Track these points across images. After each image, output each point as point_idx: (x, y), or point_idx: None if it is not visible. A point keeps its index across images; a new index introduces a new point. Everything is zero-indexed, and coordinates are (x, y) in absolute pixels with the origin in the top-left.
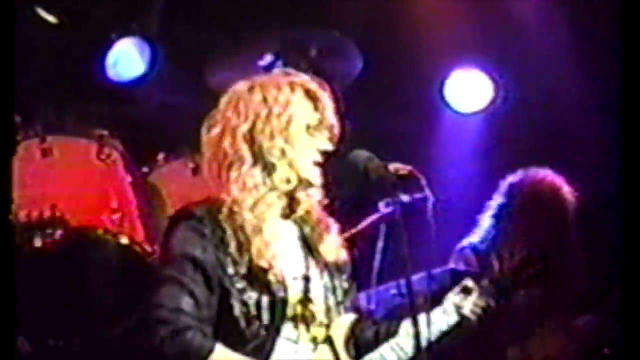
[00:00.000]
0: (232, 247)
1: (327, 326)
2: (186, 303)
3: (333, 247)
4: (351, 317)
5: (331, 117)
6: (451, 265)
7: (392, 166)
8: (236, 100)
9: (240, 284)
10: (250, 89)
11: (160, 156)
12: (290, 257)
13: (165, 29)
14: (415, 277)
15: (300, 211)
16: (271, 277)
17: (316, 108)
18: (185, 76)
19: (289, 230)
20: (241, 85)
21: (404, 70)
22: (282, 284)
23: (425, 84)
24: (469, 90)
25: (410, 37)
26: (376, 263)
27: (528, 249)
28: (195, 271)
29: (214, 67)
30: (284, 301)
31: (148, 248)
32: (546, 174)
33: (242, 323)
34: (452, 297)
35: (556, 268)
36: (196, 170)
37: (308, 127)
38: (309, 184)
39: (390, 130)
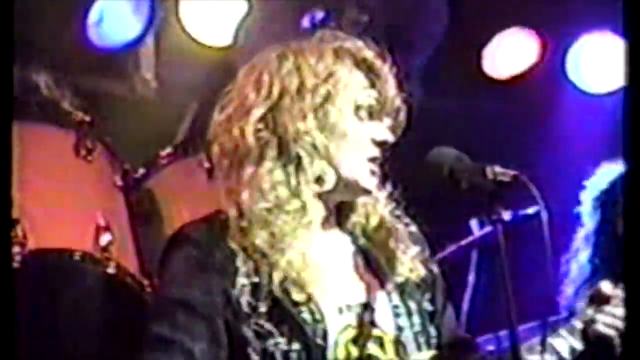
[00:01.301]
0: (245, 276)
1: None
2: None
3: (407, 260)
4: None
5: (393, 97)
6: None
7: (490, 170)
8: (259, 71)
9: (260, 327)
10: (281, 57)
11: (164, 153)
12: (338, 281)
13: None
14: (523, 328)
15: (354, 218)
16: (305, 314)
17: (372, 84)
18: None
19: (335, 245)
20: (269, 53)
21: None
22: (322, 321)
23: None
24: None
25: None
26: (465, 305)
27: None
28: (192, 320)
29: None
30: (323, 349)
31: (143, 281)
32: None
33: None
34: (581, 310)
35: None
36: (213, 173)
37: (358, 109)
38: (357, 187)
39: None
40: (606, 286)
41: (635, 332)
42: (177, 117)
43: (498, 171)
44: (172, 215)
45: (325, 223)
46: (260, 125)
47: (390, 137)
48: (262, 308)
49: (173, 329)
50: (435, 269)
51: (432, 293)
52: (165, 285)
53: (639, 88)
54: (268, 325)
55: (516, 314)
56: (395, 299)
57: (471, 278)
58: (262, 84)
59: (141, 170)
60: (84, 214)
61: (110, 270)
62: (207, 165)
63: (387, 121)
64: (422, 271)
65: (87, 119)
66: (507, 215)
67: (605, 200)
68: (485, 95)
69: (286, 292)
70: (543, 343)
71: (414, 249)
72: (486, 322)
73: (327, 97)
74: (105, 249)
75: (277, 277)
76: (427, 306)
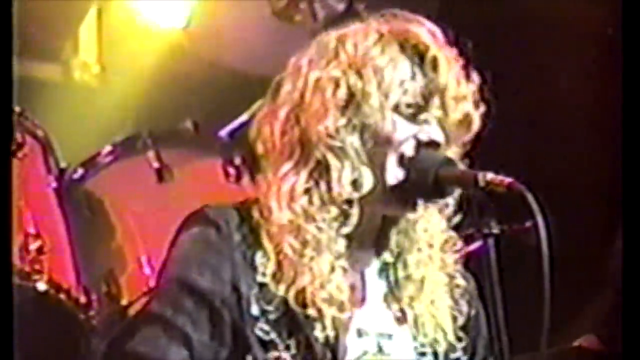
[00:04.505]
0: (266, 271)
1: None
2: (176, 355)
3: (439, 311)
4: None
5: (449, 86)
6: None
7: (483, 176)
8: (299, 59)
9: (265, 334)
10: (320, 42)
11: (105, 150)
12: (364, 302)
13: None
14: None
15: (394, 239)
16: (318, 331)
17: (423, 73)
18: None
19: (367, 263)
20: (310, 47)
21: None
22: (336, 344)
23: None
24: None
25: None
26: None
27: None
28: (198, 307)
29: None
30: None
31: (81, 298)
32: None
33: None
34: None
35: None
36: (162, 174)
37: (399, 104)
38: (402, 200)
39: None
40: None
41: (636, 333)
42: (123, 108)
43: (491, 178)
44: (115, 221)
45: (362, 236)
46: (288, 125)
47: (440, 137)
48: (272, 315)
49: (176, 312)
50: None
51: (467, 342)
52: (173, 263)
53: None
54: (274, 335)
55: (508, 343)
56: (422, 338)
57: None
58: (301, 74)
59: (80, 170)
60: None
61: (41, 286)
62: (156, 165)
63: (438, 112)
64: (450, 332)
65: (16, 109)
66: (497, 229)
67: None
68: None
69: (302, 303)
70: None
71: (450, 303)
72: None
73: (358, 91)
74: (35, 259)
75: (299, 284)
76: (460, 356)
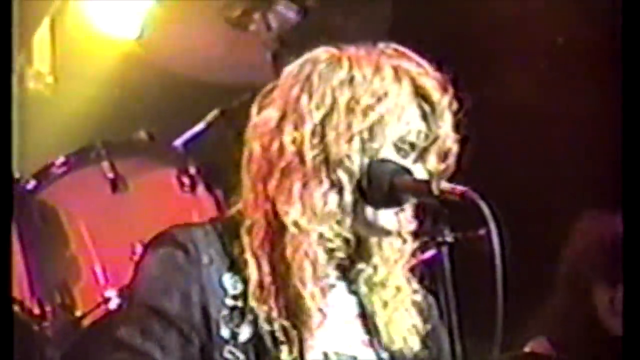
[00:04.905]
0: (237, 293)
1: None
2: None
3: (403, 327)
4: None
5: (445, 136)
6: (530, 345)
7: (437, 185)
8: (308, 72)
9: (235, 357)
10: (332, 61)
11: (59, 161)
12: (330, 324)
13: None
14: None
15: (361, 265)
16: (285, 355)
17: (424, 116)
18: None
19: (334, 284)
20: (318, 53)
21: None
22: None
23: None
24: None
25: None
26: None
27: None
28: (167, 333)
29: None
30: None
31: (35, 309)
32: None
33: None
34: None
35: None
36: (117, 184)
37: (402, 141)
38: (376, 225)
39: None
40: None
41: (635, 333)
42: (77, 118)
43: (445, 187)
44: (69, 232)
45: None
46: (316, 140)
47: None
48: (242, 337)
49: (145, 337)
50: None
51: None
52: (139, 287)
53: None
54: (242, 358)
55: (462, 355)
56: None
57: None
58: (314, 89)
59: (33, 181)
60: None
61: None
62: (110, 175)
63: (433, 160)
64: (416, 346)
65: None
66: (450, 237)
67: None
68: None
69: (271, 324)
70: None
71: (413, 320)
72: None
73: (379, 121)
74: None
75: (272, 302)
76: None
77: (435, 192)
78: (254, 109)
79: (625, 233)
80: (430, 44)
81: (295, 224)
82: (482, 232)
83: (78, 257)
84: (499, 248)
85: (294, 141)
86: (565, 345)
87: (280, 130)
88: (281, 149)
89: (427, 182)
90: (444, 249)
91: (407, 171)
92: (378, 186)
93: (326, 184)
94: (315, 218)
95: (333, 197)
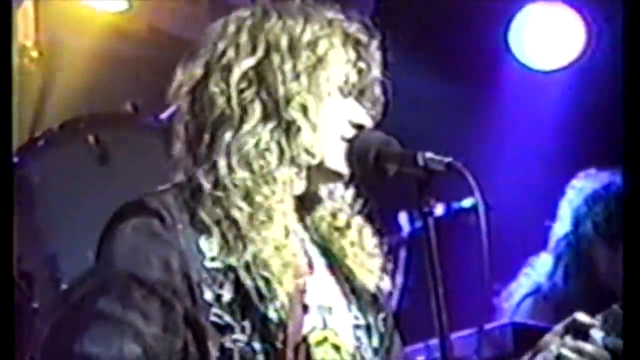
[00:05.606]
0: (214, 254)
1: None
2: (130, 353)
3: (369, 271)
4: None
5: (375, 79)
6: (511, 318)
7: (422, 156)
8: (235, 26)
9: (219, 318)
10: (260, 13)
11: (44, 135)
12: (303, 275)
13: None
14: (455, 336)
15: (320, 212)
16: (271, 311)
17: (358, 60)
18: None
19: (298, 236)
20: (243, 12)
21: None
22: (287, 321)
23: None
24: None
25: None
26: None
27: None
28: (148, 301)
29: None
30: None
31: (22, 283)
32: None
33: None
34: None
35: None
36: (103, 157)
37: (344, 85)
38: (331, 172)
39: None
40: (582, 317)
41: (636, 333)
42: (62, 92)
43: (430, 157)
44: (56, 206)
45: (296, 209)
46: (244, 85)
47: (368, 122)
48: (225, 297)
49: (125, 307)
50: (389, 288)
51: (385, 314)
52: (116, 256)
53: (638, 90)
54: (228, 318)
55: (449, 321)
56: (354, 309)
57: (399, 280)
58: (242, 40)
59: (15, 157)
60: None
61: None
62: (95, 148)
63: (367, 104)
64: (385, 285)
65: None
66: (439, 209)
67: (584, 213)
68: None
69: (254, 281)
70: (478, 352)
71: (377, 260)
72: (416, 329)
73: (321, 59)
74: None
75: (249, 255)
76: (380, 326)
77: (420, 162)
78: (178, 71)
79: (626, 232)
80: None
81: (227, 175)
82: (467, 203)
83: (64, 230)
84: (485, 222)
85: (222, 92)
86: None
87: (205, 84)
88: (210, 101)
89: (413, 153)
90: (430, 220)
91: (393, 141)
92: (364, 156)
93: (269, 122)
94: (246, 161)
95: (269, 137)
